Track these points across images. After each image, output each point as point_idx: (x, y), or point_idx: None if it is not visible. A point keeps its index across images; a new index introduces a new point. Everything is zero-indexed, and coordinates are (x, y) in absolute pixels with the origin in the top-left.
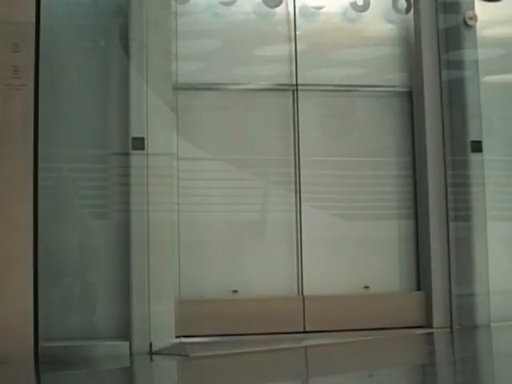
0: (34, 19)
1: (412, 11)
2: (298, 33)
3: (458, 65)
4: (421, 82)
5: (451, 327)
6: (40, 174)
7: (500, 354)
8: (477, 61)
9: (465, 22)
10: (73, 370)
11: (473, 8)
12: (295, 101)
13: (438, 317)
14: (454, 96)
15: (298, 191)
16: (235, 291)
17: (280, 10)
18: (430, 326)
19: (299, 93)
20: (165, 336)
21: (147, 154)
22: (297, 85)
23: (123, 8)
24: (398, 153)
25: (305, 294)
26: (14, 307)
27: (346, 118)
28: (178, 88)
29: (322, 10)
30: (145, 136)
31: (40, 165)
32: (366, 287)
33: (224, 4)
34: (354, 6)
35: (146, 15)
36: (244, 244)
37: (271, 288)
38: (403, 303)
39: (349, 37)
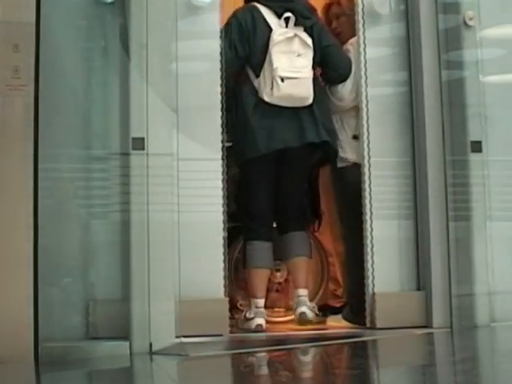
0: (34, 19)
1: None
2: None
3: (458, 65)
4: (421, 82)
5: (451, 327)
6: (40, 175)
7: (500, 354)
8: (477, 61)
9: (465, 22)
10: (73, 370)
11: (473, 8)
12: None
13: (438, 317)
14: (454, 96)
15: None
16: None
17: None
18: (430, 326)
19: None
20: (165, 336)
21: (147, 154)
22: None
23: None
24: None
25: None
26: (13, 307)
27: None
28: None
29: None
30: (145, 136)
31: (40, 165)
32: None
33: None
34: None
35: (146, 15)
36: None
37: None
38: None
39: None
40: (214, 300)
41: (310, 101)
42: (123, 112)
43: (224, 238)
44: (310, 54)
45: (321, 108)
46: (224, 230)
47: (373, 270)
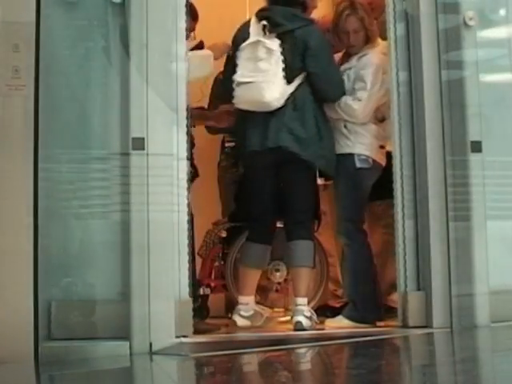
0: (34, 20)
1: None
2: None
3: (458, 65)
4: (421, 82)
5: (451, 327)
6: (40, 175)
7: (500, 354)
8: (477, 61)
9: (465, 22)
10: (73, 370)
11: (473, 8)
12: None
13: (438, 317)
14: (454, 96)
15: None
16: None
17: None
18: (430, 326)
19: None
20: (165, 336)
21: (147, 154)
22: None
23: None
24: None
25: None
26: (13, 307)
27: None
28: None
29: None
30: (145, 136)
31: (40, 165)
32: None
33: None
34: None
35: (146, 15)
36: None
37: None
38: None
39: None
40: (178, 301)
41: (274, 105)
42: (123, 112)
43: (189, 237)
44: (273, 58)
45: (300, 114)
46: (188, 229)
47: (405, 269)
